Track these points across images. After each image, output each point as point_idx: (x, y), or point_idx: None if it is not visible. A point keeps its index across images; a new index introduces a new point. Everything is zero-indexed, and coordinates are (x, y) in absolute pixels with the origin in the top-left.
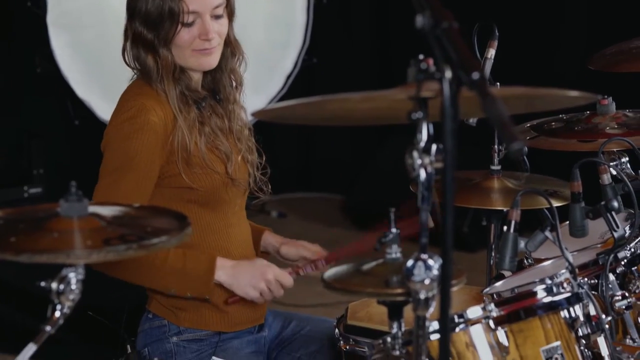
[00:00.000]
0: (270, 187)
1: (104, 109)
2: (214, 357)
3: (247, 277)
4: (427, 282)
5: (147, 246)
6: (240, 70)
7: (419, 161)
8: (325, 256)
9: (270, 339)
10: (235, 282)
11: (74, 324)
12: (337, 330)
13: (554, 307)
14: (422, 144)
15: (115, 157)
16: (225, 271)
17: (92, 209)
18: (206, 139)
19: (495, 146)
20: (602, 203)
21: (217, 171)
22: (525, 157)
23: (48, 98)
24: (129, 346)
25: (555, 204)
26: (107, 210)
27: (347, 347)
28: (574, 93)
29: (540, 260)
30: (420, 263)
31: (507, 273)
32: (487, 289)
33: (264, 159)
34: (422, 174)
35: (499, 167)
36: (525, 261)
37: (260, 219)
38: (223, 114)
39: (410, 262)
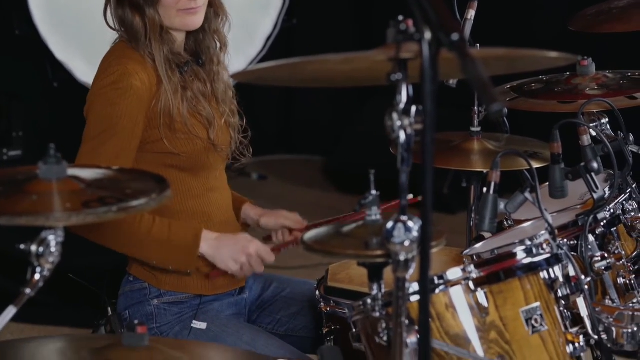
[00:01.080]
0: (251, 150)
1: (83, 71)
2: (194, 322)
3: (229, 250)
4: (406, 243)
5: (127, 209)
6: (224, 31)
7: (398, 123)
8: (304, 227)
9: (250, 301)
10: (217, 255)
11: (56, 285)
12: (317, 292)
13: (533, 268)
14: (402, 106)
15: (98, 122)
16: (208, 243)
17: (71, 171)
18: (188, 104)
19: (475, 108)
20: (582, 164)
21: (199, 136)
22: (505, 119)
23: (27, 60)
24: (109, 309)
25: (535, 165)
26: (86, 173)
27: (328, 309)
28: (553, 54)
29: (520, 222)
30: (400, 225)
31: (487, 234)
32: (467, 250)
33: (244, 121)
34: (402, 136)
35: (478, 129)
36: (505, 222)
37: (240, 181)
38: (206, 78)
39: (390, 224)
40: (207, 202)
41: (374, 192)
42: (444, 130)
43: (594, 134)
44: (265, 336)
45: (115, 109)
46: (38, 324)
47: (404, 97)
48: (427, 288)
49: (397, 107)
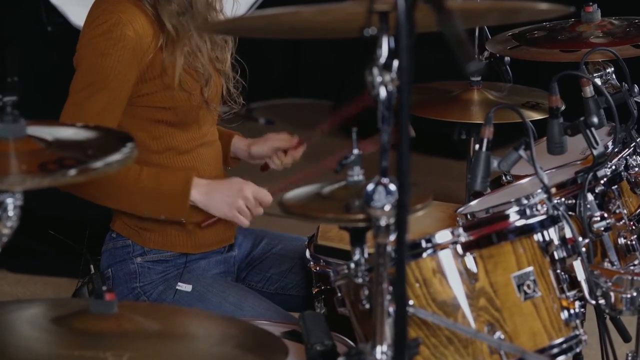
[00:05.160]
0: (241, 99)
1: (78, 14)
2: (179, 283)
3: (223, 195)
4: (387, 208)
5: (87, 171)
6: None
7: (378, 78)
8: (297, 142)
9: (239, 259)
10: (210, 202)
11: (51, 237)
12: (307, 250)
13: (526, 230)
14: (382, 60)
15: (87, 74)
16: (200, 189)
17: (32, 129)
18: (185, 59)
19: (476, 55)
20: (582, 119)
21: (192, 93)
22: (507, 67)
23: (21, 4)
24: (92, 266)
25: (537, 117)
26: (47, 131)
27: (317, 268)
28: (544, 6)
29: (520, 177)
30: (380, 188)
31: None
32: (462, 208)
33: (238, 73)
34: (382, 92)
35: (479, 78)
36: (504, 178)
37: (248, 126)
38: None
39: (370, 187)
40: (196, 158)
41: (355, 151)
42: (443, 79)
43: (599, 83)
44: (253, 297)
45: (106, 60)
46: (34, 274)
47: (384, 51)
48: (403, 258)
49: (377, 62)
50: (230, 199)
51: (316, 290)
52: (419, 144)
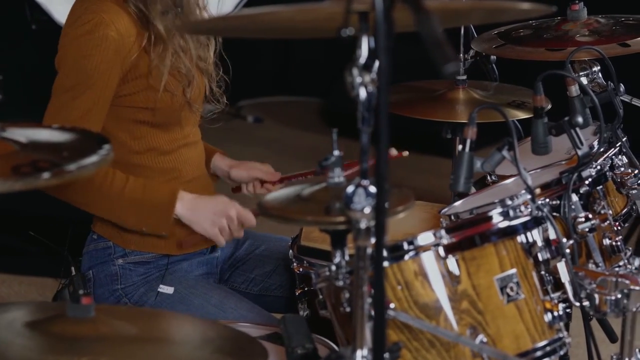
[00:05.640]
0: (225, 98)
1: (62, 13)
2: (161, 286)
3: (208, 212)
4: (367, 210)
5: (61, 173)
6: None
7: (358, 79)
8: (278, 179)
9: (222, 260)
10: (194, 217)
11: (32, 237)
12: (290, 251)
13: (509, 232)
14: (362, 60)
15: (71, 75)
16: (185, 204)
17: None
18: (169, 59)
19: (461, 54)
20: (566, 119)
21: (174, 93)
22: (494, 66)
23: (5, 2)
24: (73, 268)
25: (523, 115)
26: (22, 133)
27: (301, 270)
28: (525, 5)
29: (505, 177)
30: (360, 190)
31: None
32: (445, 209)
33: (221, 71)
34: (362, 93)
35: (464, 77)
36: (489, 178)
37: (236, 124)
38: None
39: (350, 189)
40: (178, 159)
41: (336, 152)
42: (428, 78)
43: (585, 82)
44: (235, 298)
45: (89, 61)
46: (19, 274)
47: (364, 51)
48: (381, 262)
49: (357, 62)
50: (215, 217)
51: (300, 291)
52: (409, 142)
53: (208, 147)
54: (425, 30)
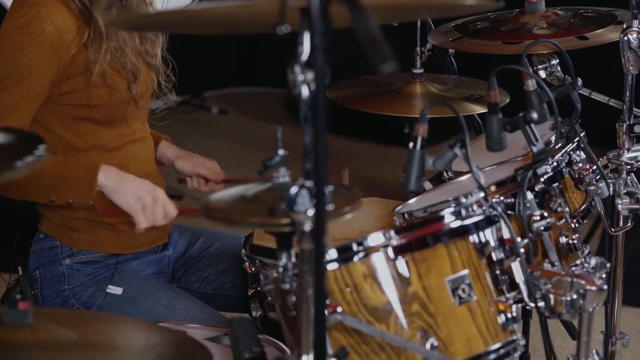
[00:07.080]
0: (174, 94)
1: None
2: (109, 286)
3: (135, 187)
4: (310, 212)
5: None
6: None
7: (300, 77)
8: (221, 179)
9: (174, 258)
10: (119, 187)
11: None
12: (243, 250)
13: (461, 232)
14: (304, 58)
15: (1, 67)
16: (110, 174)
17: None
18: (111, 55)
19: (418, 48)
20: (521, 114)
21: (118, 89)
22: (452, 59)
23: None
24: (20, 268)
25: (481, 110)
26: None
27: (253, 269)
28: (470, 1)
29: (461, 174)
30: (304, 191)
31: (427, 185)
32: (399, 207)
33: (170, 67)
34: (305, 92)
35: (421, 71)
36: (445, 174)
37: (200, 115)
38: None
39: (293, 190)
40: (125, 155)
41: (281, 151)
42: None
43: (544, 75)
44: (186, 299)
45: (21, 54)
46: None
47: (306, 48)
48: (322, 265)
49: (299, 60)
50: (141, 192)
51: (252, 291)
52: (376, 134)
53: (155, 134)
54: (360, 28)
